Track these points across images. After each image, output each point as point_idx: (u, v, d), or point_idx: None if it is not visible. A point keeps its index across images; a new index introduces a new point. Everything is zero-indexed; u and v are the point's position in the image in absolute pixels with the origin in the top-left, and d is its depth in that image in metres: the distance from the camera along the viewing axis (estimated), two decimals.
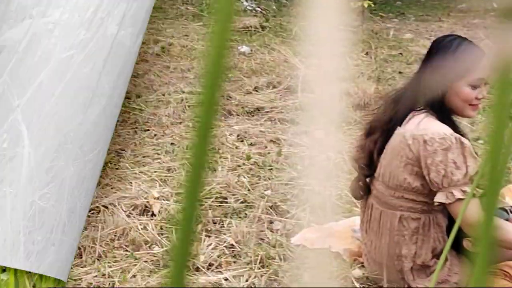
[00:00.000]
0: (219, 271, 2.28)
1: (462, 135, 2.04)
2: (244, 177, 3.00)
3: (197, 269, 2.28)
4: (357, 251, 2.35)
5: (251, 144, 3.45)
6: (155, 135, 3.53)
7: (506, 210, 2.09)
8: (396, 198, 2.07)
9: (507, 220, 2.05)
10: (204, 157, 0.24)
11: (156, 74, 4.37)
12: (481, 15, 7.00)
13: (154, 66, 4.51)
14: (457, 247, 2.11)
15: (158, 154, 3.26)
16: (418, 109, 2.03)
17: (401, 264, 2.09)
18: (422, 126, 1.97)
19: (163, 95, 4.14)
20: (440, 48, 2.04)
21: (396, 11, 7.14)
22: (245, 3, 6.19)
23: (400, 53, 5.02)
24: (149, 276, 2.26)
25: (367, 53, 5.11)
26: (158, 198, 2.76)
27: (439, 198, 1.95)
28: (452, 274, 2.09)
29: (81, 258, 2.38)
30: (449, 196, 1.94)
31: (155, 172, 3.03)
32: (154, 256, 2.36)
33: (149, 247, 2.43)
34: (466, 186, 1.93)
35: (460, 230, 2.08)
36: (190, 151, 0.24)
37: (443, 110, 2.02)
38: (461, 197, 1.93)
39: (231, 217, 2.65)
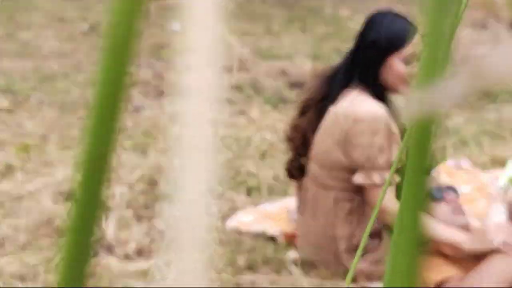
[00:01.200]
0: (151, 258, 2.20)
1: (395, 112, 2.03)
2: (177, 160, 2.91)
3: (127, 257, 2.19)
4: (292, 233, 2.31)
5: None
6: (83, 117, 3.39)
7: (440, 189, 2.07)
8: (330, 178, 2.04)
9: (441, 199, 2.04)
10: (106, 149, 0.22)
11: (84, 53, 4.20)
12: None
13: (82, 45, 4.35)
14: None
15: None
16: (352, 86, 2.00)
17: (336, 245, 2.07)
18: (355, 104, 1.96)
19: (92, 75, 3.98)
20: (374, 23, 2.02)
21: None
22: None
23: (337, 30, 4.99)
24: None
25: (303, 31, 5.06)
26: None
27: (358, 178, 1.96)
28: (388, 254, 2.07)
29: (3, 247, 2.26)
30: (368, 179, 1.94)
31: None
32: None
33: None
34: (386, 172, 1.92)
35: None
36: (89, 140, 0.22)
37: (377, 87, 2.00)
38: (378, 182, 1.93)
39: (163, 202, 2.56)
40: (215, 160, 0.20)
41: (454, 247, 1.93)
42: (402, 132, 2.02)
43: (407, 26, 2.01)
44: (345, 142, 1.96)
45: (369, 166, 1.93)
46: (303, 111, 2.13)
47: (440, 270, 1.94)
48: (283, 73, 4.03)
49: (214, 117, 0.20)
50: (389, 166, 1.94)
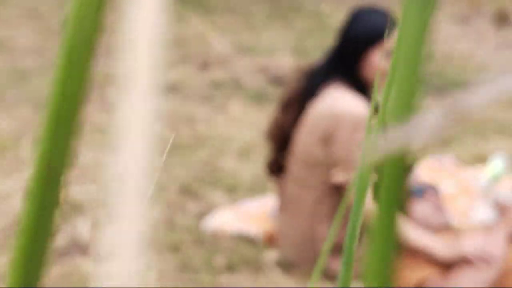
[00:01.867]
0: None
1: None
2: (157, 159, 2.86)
3: (102, 259, 2.14)
4: (272, 232, 2.28)
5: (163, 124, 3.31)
6: None
7: (421, 188, 2.06)
8: (311, 177, 2.02)
9: (421, 197, 2.02)
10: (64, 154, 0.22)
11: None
12: None
13: (59, 41, 4.28)
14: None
15: None
16: (333, 82, 1.99)
17: (316, 245, 2.06)
18: (336, 100, 1.95)
19: None
20: (358, 19, 2.02)
21: None
22: None
23: (318, 26, 4.96)
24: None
25: (284, 26, 5.03)
26: None
27: (337, 175, 1.94)
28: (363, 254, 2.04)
29: None
30: (347, 176, 1.93)
31: None
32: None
33: None
34: None
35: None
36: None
37: (358, 82, 1.99)
38: None
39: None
40: (152, 156, 0.19)
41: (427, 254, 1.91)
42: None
43: (386, 19, 2.02)
44: (326, 139, 1.94)
45: (348, 163, 1.91)
46: (284, 108, 2.12)
47: (419, 268, 1.92)
48: (264, 69, 3.99)
49: (154, 111, 0.19)
50: None
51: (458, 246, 1.93)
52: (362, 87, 2.00)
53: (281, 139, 2.11)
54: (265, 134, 2.22)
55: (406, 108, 0.20)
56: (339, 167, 1.94)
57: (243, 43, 4.47)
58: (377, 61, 1.98)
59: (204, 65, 4.11)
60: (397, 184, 0.20)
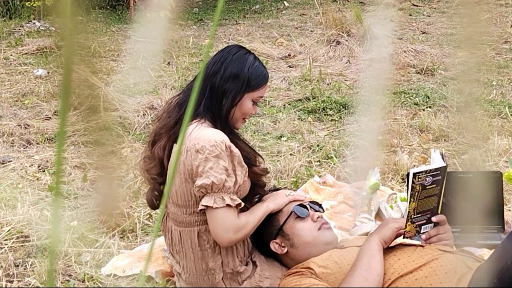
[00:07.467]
0: None
1: (242, 141, 2.08)
2: (48, 211, 2.82)
3: None
4: (169, 271, 2.29)
5: (54, 173, 3.26)
6: None
7: (305, 207, 2.12)
8: (189, 215, 2.03)
9: (307, 216, 2.08)
10: None
11: None
12: (274, 15, 7.26)
13: None
14: (265, 251, 2.12)
15: None
16: (200, 117, 2.00)
17: (212, 277, 2.06)
18: (193, 136, 1.96)
19: None
20: (235, 59, 2.05)
21: (194, 18, 7.20)
22: (37, 23, 5.91)
23: (201, 60, 5.04)
24: None
25: (169, 63, 5.07)
26: None
27: (206, 201, 1.92)
28: (263, 279, 2.09)
29: None
30: (218, 201, 1.92)
31: None
32: None
33: None
34: (235, 195, 1.95)
35: (264, 233, 2.10)
36: None
37: (223, 118, 2.03)
38: (230, 203, 1.92)
39: (35, 257, 2.47)
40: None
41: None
42: (248, 156, 2.06)
43: (265, 70, 2.09)
44: (193, 175, 1.95)
45: (218, 190, 1.91)
46: (155, 140, 2.10)
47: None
48: (151, 107, 4.02)
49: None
50: (236, 188, 1.96)
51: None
52: (226, 123, 2.03)
53: (158, 170, 2.09)
54: (140, 169, 2.17)
55: None
56: (209, 194, 1.92)
57: (129, 84, 4.49)
58: (247, 104, 2.03)
59: (92, 110, 4.09)
60: None
